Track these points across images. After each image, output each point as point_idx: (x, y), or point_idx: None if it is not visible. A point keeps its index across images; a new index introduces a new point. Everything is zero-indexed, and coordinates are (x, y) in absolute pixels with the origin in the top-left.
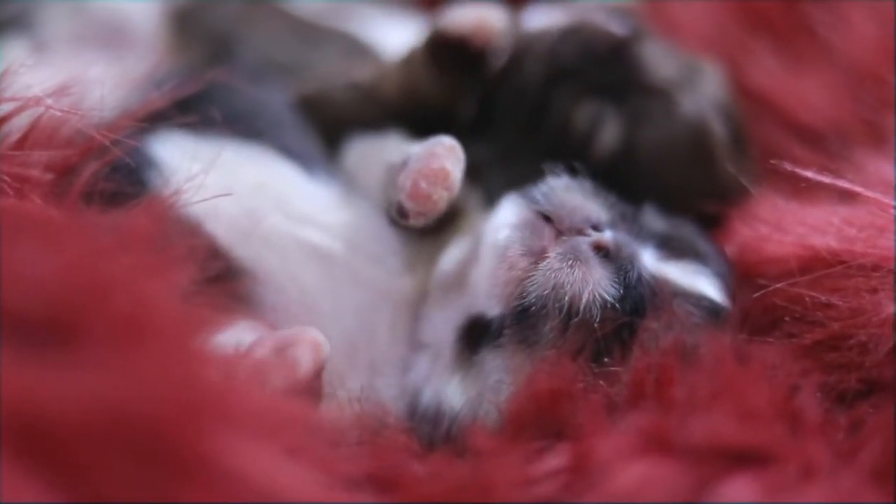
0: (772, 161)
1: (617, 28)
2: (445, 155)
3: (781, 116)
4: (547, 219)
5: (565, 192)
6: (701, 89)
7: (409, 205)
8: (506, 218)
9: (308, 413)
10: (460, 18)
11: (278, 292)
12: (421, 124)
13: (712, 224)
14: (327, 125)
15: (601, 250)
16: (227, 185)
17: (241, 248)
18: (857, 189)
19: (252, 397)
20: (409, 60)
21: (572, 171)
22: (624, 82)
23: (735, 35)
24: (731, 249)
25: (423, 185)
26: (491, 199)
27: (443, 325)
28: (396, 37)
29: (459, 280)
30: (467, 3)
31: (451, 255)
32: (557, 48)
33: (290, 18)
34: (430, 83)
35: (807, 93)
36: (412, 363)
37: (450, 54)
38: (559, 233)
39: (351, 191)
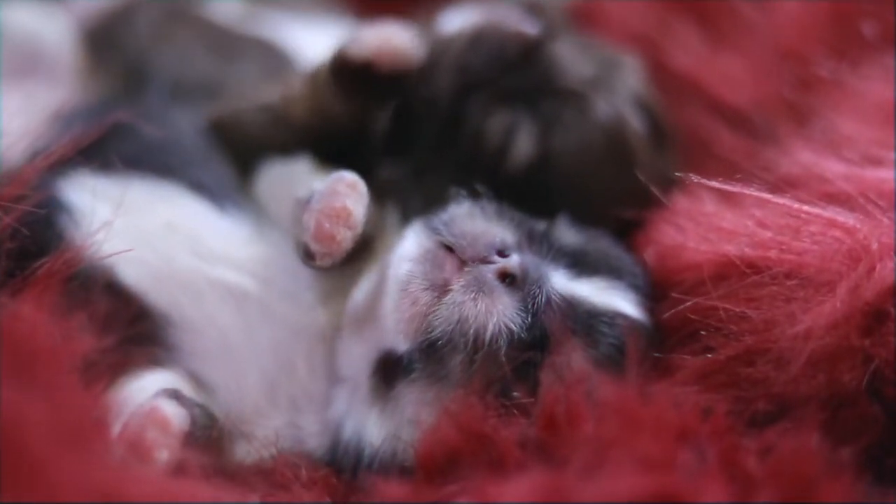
0: (679, 175)
1: (529, 28)
2: (346, 193)
3: (706, 98)
4: (450, 248)
5: (467, 218)
6: (618, 86)
7: (314, 246)
8: (408, 250)
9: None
10: (363, 41)
11: (195, 334)
12: (334, 145)
13: (632, 228)
14: (240, 149)
15: (506, 277)
16: (138, 227)
17: (156, 293)
18: (767, 197)
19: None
20: (316, 83)
21: (476, 193)
22: (537, 87)
23: (658, 17)
24: (649, 257)
25: (327, 225)
26: (408, 218)
27: (358, 359)
28: (317, 42)
29: (370, 313)
30: (374, 23)
31: (363, 287)
32: (466, 56)
33: (205, 30)
34: (339, 106)
35: (731, 72)
36: (332, 397)
37: (355, 78)
38: (462, 263)
39: (263, 223)
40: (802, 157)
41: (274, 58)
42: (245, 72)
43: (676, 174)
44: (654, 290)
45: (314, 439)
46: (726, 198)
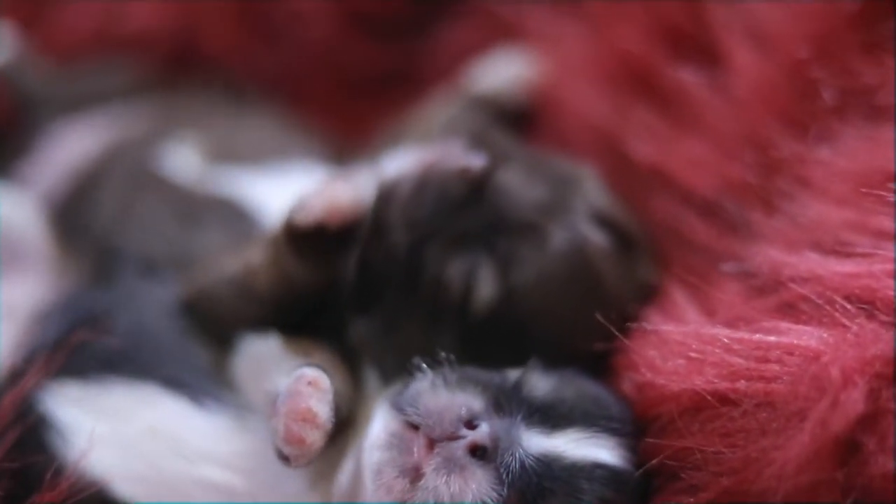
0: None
1: (472, 161)
2: (309, 393)
3: (673, 185)
4: (417, 427)
5: (431, 392)
6: (575, 204)
7: (286, 450)
8: (376, 436)
9: None
10: (309, 207)
11: None
12: (304, 309)
13: (610, 354)
14: (213, 326)
15: (477, 450)
16: (123, 435)
17: (147, 500)
18: (727, 334)
19: None
20: (275, 251)
21: (439, 359)
22: (490, 224)
23: (615, 105)
24: (628, 387)
25: (295, 428)
26: (387, 379)
27: None
28: (281, 192)
29: (355, 496)
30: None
31: (347, 468)
32: (412, 209)
33: (167, 198)
34: (302, 272)
35: (695, 157)
36: None
37: (309, 242)
38: (431, 442)
39: (243, 412)
40: (770, 253)
41: (236, 218)
42: (209, 238)
43: (651, 279)
44: (636, 426)
45: None
46: (701, 301)
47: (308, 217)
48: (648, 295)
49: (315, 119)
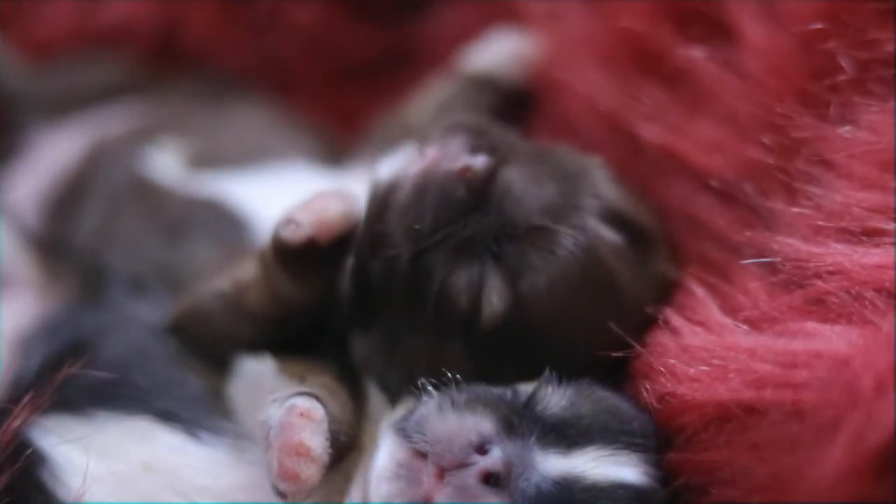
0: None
1: (474, 161)
2: (302, 425)
3: (688, 169)
4: (426, 455)
5: (438, 416)
6: (584, 201)
7: (281, 486)
8: (382, 466)
9: None
10: (298, 223)
11: None
12: (299, 327)
13: (629, 359)
14: (206, 346)
15: (490, 478)
16: (117, 472)
17: None
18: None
19: None
20: (263, 268)
21: (445, 379)
22: (495, 229)
23: (624, 87)
24: (649, 396)
25: (289, 464)
26: (391, 396)
27: None
28: (271, 199)
29: None
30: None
31: (354, 495)
32: (412, 213)
33: (154, 205)
34: (292, 288)
35: (709, 139)
36: None
37: (300, 259)
38: (441, 470)
39: (240, 441)
40: (793, 244)
41: (225, 228)
42: (198, 252)
43: (668, 274)
44: (658, 440)
45: None
46: (722, 298)
47: (297, 233)
48: (666, 291)
49: (304, 111)
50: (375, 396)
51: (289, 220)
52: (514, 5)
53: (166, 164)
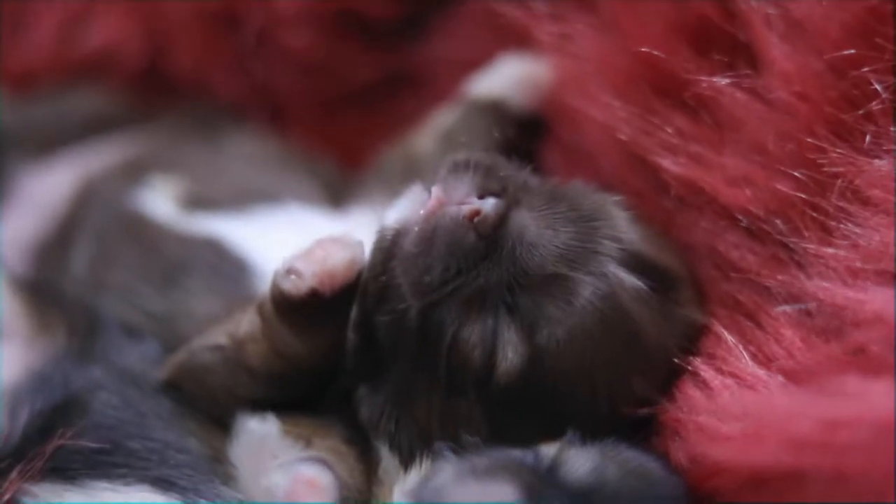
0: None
1: (484, 205)
2: (308, 494)
3: (715, 205)
4: None
5: (457, 485)
6: (603, 245)
7: None
8: None
9: None
10: (299, 274)
11: None
12: (302, 380)
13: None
14: (204, 401)
15: None
16: None
17: None
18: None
19: None
20: (262, 321)
21: (460, 444)
22: (509, 277)
23: (644, 117)
24: (679, 456)
25: None
26: (400, 453)
27: None
28: (270, 242)
29: None
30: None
31: None
32: (419, 264)
33: (147, 249)
34: (293, 341)
35: (737, 173)
36: None
37: (302, 310)
38: None
39: None
40: (830, 288)
41: (222, 274)
42: (193, 301)
43: (695, 319)
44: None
45: None
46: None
47: (298, 285)
48: (694, 338)
49: (299, 140)
50: (386, 458)
51: (289, 271)
52: (522, 26)
53: (159, 205)
